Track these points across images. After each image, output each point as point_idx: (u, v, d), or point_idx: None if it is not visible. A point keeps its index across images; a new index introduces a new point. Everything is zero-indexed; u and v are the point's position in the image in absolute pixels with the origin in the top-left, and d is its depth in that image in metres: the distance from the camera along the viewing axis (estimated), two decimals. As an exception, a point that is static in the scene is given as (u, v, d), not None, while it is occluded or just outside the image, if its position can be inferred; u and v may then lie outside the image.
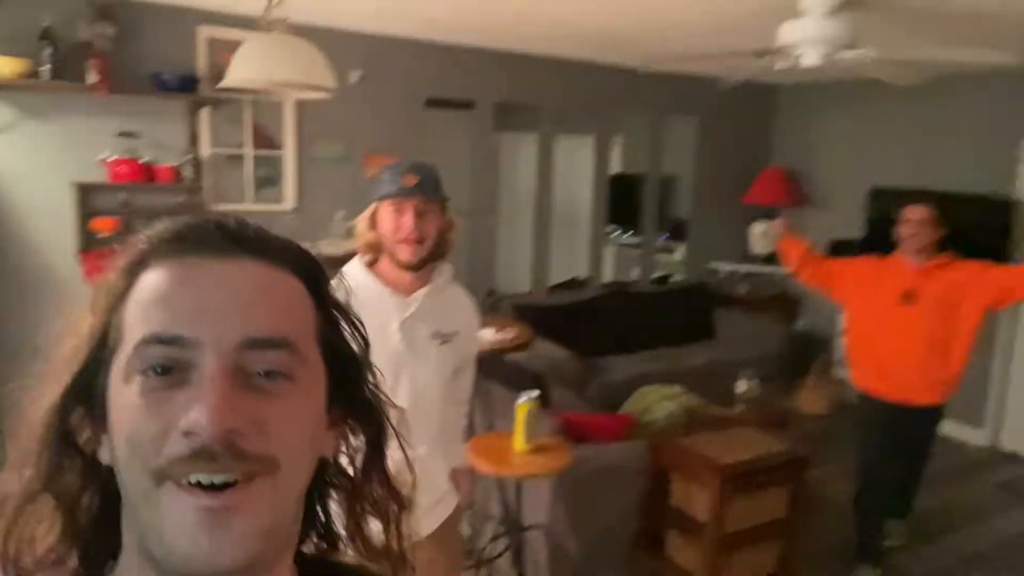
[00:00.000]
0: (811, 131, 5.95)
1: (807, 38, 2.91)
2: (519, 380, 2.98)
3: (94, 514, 0.55)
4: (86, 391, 0.53)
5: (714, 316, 5.54)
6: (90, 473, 0.54)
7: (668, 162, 5.86)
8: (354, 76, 4.32)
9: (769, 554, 3.11)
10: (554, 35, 4.23)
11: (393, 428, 0.62)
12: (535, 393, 2.57)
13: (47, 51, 3.44)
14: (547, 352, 4.13)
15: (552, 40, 4.42)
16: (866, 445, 3.27)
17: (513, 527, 2.79)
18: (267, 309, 0.53)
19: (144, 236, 0.55)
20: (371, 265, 1.84)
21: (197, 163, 3.94)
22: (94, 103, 3.61)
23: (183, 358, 0.50)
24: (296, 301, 0.55)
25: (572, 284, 5.91)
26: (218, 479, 0.48)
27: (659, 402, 3.65)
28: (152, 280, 0.52)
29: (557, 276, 5.75)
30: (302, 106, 4.23)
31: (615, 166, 6.31)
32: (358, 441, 0.60)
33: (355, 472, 0.61)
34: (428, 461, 1.83)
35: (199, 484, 0.48)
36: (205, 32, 3.88)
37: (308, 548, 0.62)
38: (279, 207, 4.28)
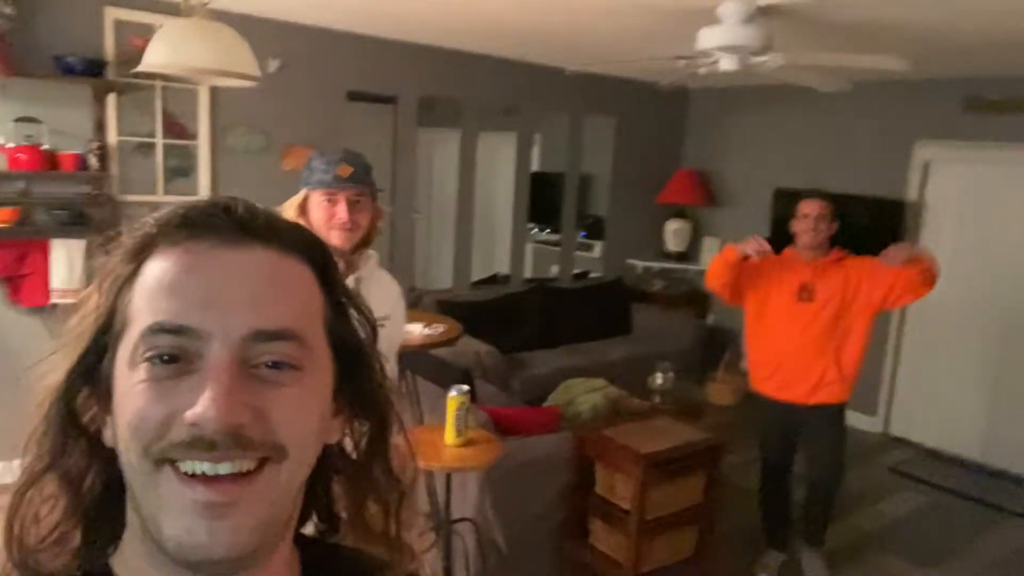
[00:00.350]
0: (720, 134, 6.20)
1: (724, 44, 3.05)
2: (447, 375, 2.99)
3: (98, 494, 0.55)
4: (91, 372, 0.53)
5: (631, 311, 5.70)
6: (94, 453, 0.54)
7: (586, 161, 5.99)
8: (272, 65, 4.20)
9: (687, 538, 3.25)
10: (477, 31, 4.25)
11: (397, 416, 0.62)
12: (465, 388, 2.58)
13: (-65, 28, 3.20)
14: (471, 347, 4.15)
15: (476, 36, 4.44)
16: (766, 446, 3.28)
17: (442, 521, 2.80)
18: (276, 300, 0.52)
19: (152, 220, 0.55)
20: None
21: (103, 151, 3.74)
22: (-11, 85, 3.38)
23: (190, 348, 0.49)
24: (305, 290, 0.55)
25: (494, 280, 5.95)
26: (222, 469, 0.48)
27: (584, 395, 3.74)
28: (159, 266, 0.52)
29: (478, 272, 5.77)
30: (217, 95, 4.09)
31: (536, 164, 6.39)
32: (362, 427, 0.61)
33: (358, 457, 0.61)
34: None
35: (203, 475, 0.48)
36: (113, 14, 3.69)
37: (308, 529, 0.62)
38: (192, 198, 4.11)
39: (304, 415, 0.53)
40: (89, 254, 3.65)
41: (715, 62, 3.20)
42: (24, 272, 3.61)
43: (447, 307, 4.56)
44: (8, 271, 3.57)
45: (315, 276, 0.56)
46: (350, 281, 1.82)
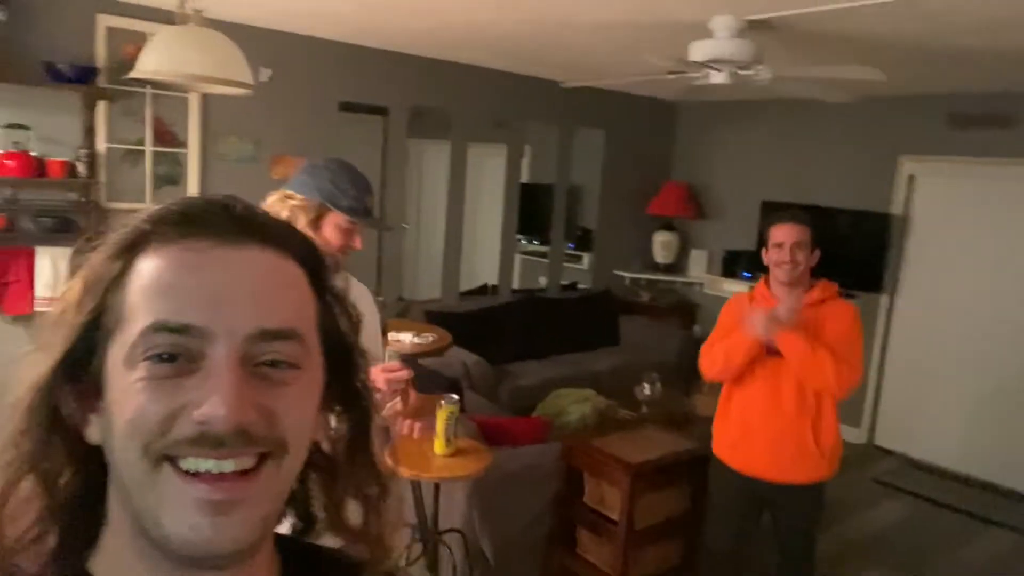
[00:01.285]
0: (708, 147, 6.26)
1: (715, 58, 3.09)
2: (435, 384, 2.99)
3: (73, 494, 0.54)
4: (76, 369, 0.52)
5: (619, 322, 5.73)
6: (73, 452, 0.53)
7: (575, 173, 6.02)
8: (264, 74, 4.21)
9: (674, 549, 3.26)
10: (468, 44, 4.28)
11: (377, 412, 0.63)
12: (455, 397, 2.59)
13: (-75, 33, 3.19)
14: (459, 357, 4.16)
15: (467, 48, 4.47)
16: (715, 529, 2.73)
17: (429, 532, 2.80)
18: (278, 299, 0.53)
19: (143, 216, 0.54)
20: None
21: (92, 158, 3.73)
22: (-22, 91, 3.37)
23: (192, 346, 0.49)
24: (301, 290, 0.56)
25: (483, 291, 5.96)
26: (226, 466, 0.49)
27: (572, 405, 3.75)
28: (157, 264, 0.51)
29: (466, 283, 5.79)
30: (208, 103, 4.09)
31: (526, 175, 6.42)
32: (342, 424, 0.61)
33: (338, 454, 0.61)
34: None
35: (207, 473, 0.48)
36: (105, 21, 3.69)
37: (283, 528, 0.62)
38: (186, 197, 4.10)
39: (303, 412, 0.54)
40: (74, 262, 3.63)
41: (706, 76, 3.24)
42: (8, 280, 3.58)
43: (435, 317, 4.56)
44: (-6, 278, 3.55)
45: (307, 277, 0.56)
46: (339, 280, 1.82)
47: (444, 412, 2.55)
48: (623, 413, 3.81)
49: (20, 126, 3.51)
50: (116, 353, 0.51)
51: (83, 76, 3.58)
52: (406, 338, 3.15)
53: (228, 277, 0.51)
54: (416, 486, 2.87)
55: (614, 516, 3.02)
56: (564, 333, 5.25)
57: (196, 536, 0.48)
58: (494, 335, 4.81)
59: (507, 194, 5.62)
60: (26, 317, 3.61)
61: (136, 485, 0.49)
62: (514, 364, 4.68)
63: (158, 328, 0.49)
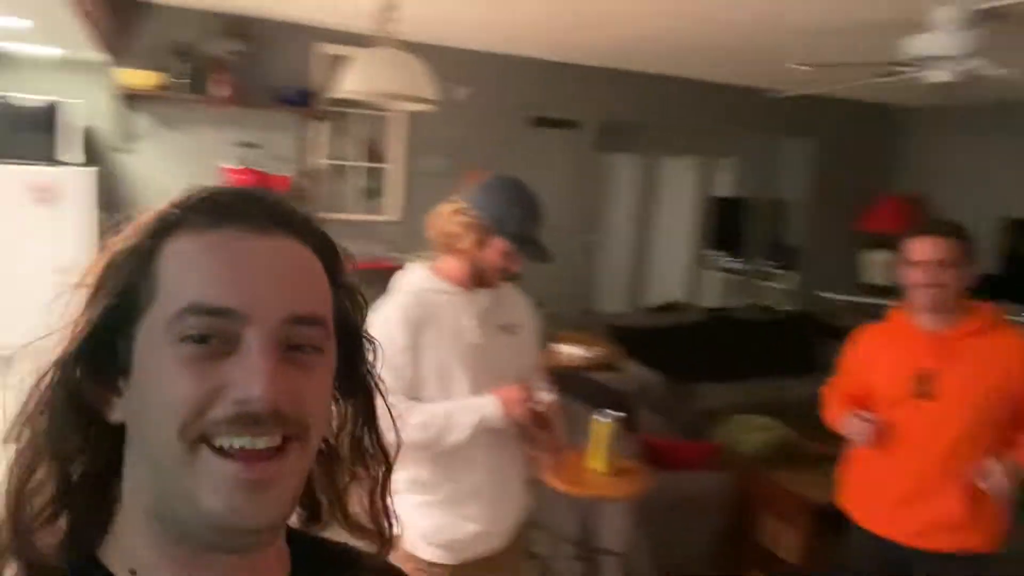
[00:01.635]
0: (934, 156, 5.58)
1: (936, 53, 2.74)
2: (603, 400, 2.93)
3: (88, 477, 0.55)
4: (99, 349, 0.53)
5: (817, 348, 5.26)
6: (90, 434, 0.54)
7: (780, 186, 5.65)
8: (462, 92, 4.42)
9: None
10: (662, 53, 4.18)
11: (384, 400, 0.63)
12: (616, 414, 2.52)
13: (182, 66, 3.73)
14: (638, 374, 4.04)
15: (663, 58, 4.36)
16: None
17: (588, 550, 2.74)
18: (306, 287, 0.55)
19: (173, 201, 0.55)
20: (432, 267, 1.86)
21: (309, 174, 4.14)
22: (218, 115, 3.88)
23: (228, 329, 0.51)
24: (322, 278, 0.57)
25: (671, 307, 5.78)
26: (260, 443, 0.50)
27: (751, 433, 3.50)
28: (191, 248, 0.53)
29: (654, 298, 5.64)
30: (412, 122, 4.37)
31: (722, 189, 6.14)
32: (347, 410, 0.62)
33: (342, 441, 0.62)
34: (501, 466, 1.82)
35: (241, 450, 0.50)
36: (322, 49, 4.09)
37: (291, 520, 0.62)
38: (382, 217, 4.42)
39: (325, 396, 0.57)
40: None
41: (923, 74, 2.89)
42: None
43: (618, 332, 4.49)
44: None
45: (323, 266, 0.58)
46: (481, 290, 1.83)
47: (604, 428, 2.49)
48: (811, 447, 3.48)
49: (251, 145, 3.99)
50: (145, 333, 0.52)
51: (302, 99, 4.00)
52: (572, 351, 3.12)
53: (262, 264, 0.53)
54: (578, 502, 2.83)
55: (790, 559, 2.76)
56: (754, 356, 4.91)
57: (234, 514, 0.50)
58: (678, 353, 4.62)
59: (698, 208, 5.41)
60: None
61: (169, 465, 0.50)
62: (697, 385, 4.46)
63: (196, 310, 0.50)
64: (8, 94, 3.39)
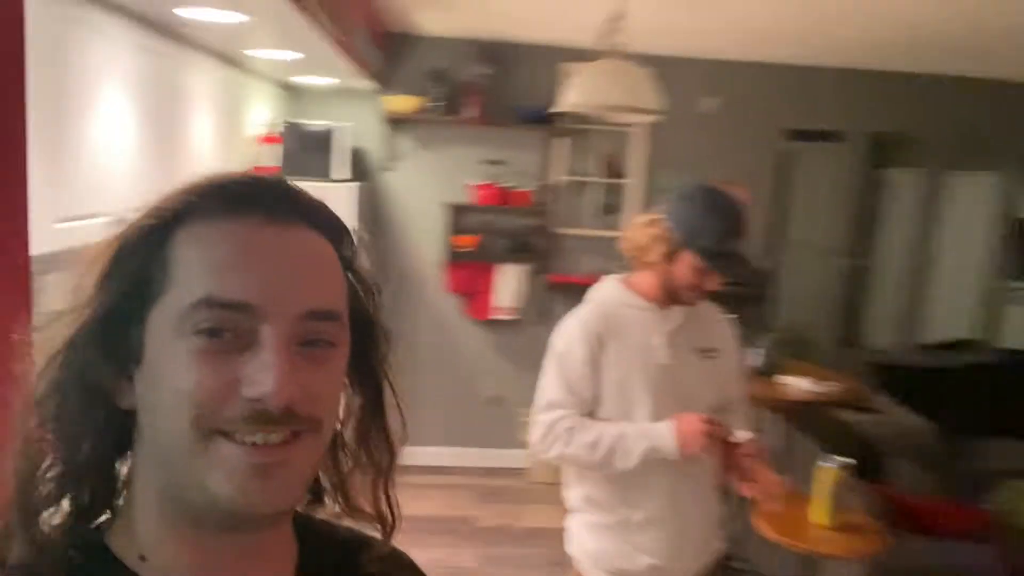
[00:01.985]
0: None
1: None
2: (840, 442, 2.57)
3: (93, 460, 0.54)
4: (109, 333, 0.52)
5: None
6: (98, 417, 0.53)
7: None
8: (709, 104, 4.23)
9: None
10: (948, 47, 3.59)
11: (394, 392, 0.62)
12: (846, 460, 2.19)
13: (438, 90, 4.03)
14: (898, 418, 3.51)
15: (946, 54, 3.76)
16: None
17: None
18: (323, 280, 0.55)
19: (188, 187, 0.53)
20: (626, 280, 1.76)
21: (548, 189, 4.23)
22: (468, 134, 4.13)
23: (243, 323, 0.50)
24: (337, 269, 0.57)
25: (956, 345, 4.94)
26: (273, 439, 0.51)
27: (1036, 504, 2.84)
28: (207, 236, 0.52)
29: (934, 334, 4.87)
30: (653, 136, 4.27)
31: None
32: (356, 398, 0.61)
33: (350, 429, 0.62)
34: (685, 498, 1.67)
35: (253, 444, 0.50)
36: (566, 68, 4.15)
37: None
38: (618, 233, 4.36)
39: (336, 390, 0.57)
40: (529, 280, 4.19)
41: None
42: (477, 290, 4.28)
43: (879, 369, 3.95)
44: (466, 288, 4.28)
45: (338, 256, 0.57)
46: (675, 308, 1.69)
47: (829, 475, 2.18)
48: None
49: (497, 162, 4.19)
50: (158, 320, 0.51)
51: (544, 117, 4.09)
52: (799, 384, 2.78)
53: (278, 257, 0.52)
54: (798, 556, 2.51)
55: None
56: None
57: (244, 498, 0.50)
58: (959, 399, 3.92)
59: (997, 231, 4.58)
60: (485, 322, 4.27)
61: (181, 451, 0.50)
62: (977, 440, 3.75)
63: (211, 303, 0.50)
64: (300, 120, 3.91)
